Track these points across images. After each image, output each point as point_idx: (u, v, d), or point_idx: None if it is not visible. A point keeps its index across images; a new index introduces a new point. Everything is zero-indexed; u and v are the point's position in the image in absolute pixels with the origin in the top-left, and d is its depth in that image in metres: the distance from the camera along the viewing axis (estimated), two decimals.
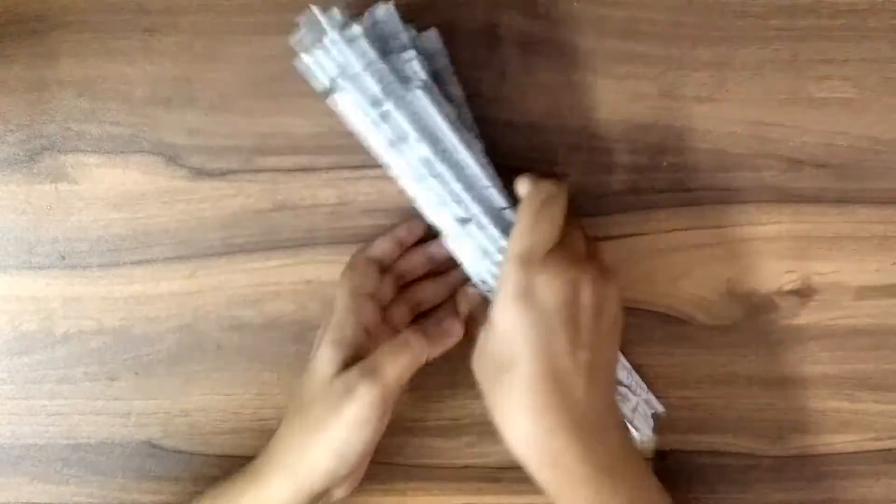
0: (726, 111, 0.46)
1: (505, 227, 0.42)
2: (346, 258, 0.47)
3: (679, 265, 0.47)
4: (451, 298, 0.45)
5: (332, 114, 0.46)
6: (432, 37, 0.43)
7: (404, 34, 0.42)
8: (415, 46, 0.41)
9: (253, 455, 0.43)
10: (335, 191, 0.47)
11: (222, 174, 0.46)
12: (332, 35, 0.40)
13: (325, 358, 0.40)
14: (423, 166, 0.41)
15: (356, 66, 0.40)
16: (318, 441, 0.39)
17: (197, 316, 0.48)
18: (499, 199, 0.42)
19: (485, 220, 0.41)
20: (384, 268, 0.44)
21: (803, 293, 0.47)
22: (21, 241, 0.47)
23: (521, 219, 0.39)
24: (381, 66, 0.40)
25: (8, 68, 0.46)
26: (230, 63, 0.46)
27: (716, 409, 0.48)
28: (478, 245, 0.42)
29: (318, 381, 0.40)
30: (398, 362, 0.39)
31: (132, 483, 0.49)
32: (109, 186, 0.47)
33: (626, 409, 0.45)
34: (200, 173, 0.46)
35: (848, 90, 0.45)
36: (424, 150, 0.41)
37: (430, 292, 0.45)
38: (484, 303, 0.42)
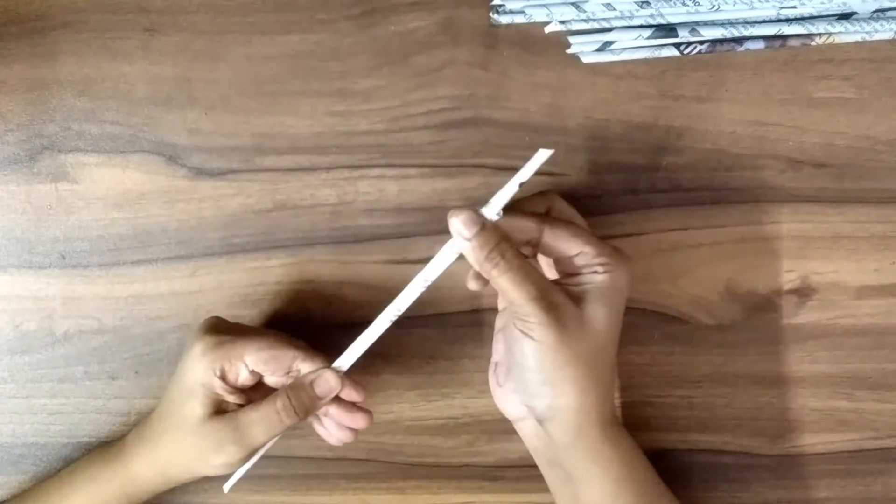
0: (726, 111, 0.46)
1: None
2: (346, 258, 0.47)
3: (679, 265, 0.47)
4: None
5: (331, 114, 0.46)
6: None
7: None
8: None
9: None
10: (335, 191, 0.47)
11: (222, 174, 0.46)
12: None
13: (198, 398, 0.42)
14: None
15: None
16: (184, 469, 0.43)
17: (197, 315, 0.48)
18: None
19: None
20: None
21: (802, 293, 0.47)
22: (21, 241, 0.47)
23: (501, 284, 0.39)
24: None
25: (8, 68, 0.46)
26: (230, 63, 0.46)
27: (715, 409, 0.48)
28: None
29: (189, 416, 0.42)
30: (267, 430, 0.41)
31: None
32: (109, 186, 0.47)
33: None
34: (200, 173, 0.47)
35: (847, 90, 0.45)
36: None
37: None
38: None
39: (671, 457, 0.49)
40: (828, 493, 0.49)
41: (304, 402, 0.41)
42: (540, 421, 0.41)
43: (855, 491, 0.49)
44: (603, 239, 0.41)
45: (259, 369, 0.42)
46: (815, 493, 0.49)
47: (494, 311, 0.46)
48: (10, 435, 0.49)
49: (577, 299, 0.40)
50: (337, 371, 0.42)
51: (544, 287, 0.39)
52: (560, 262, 0.42)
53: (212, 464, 0.42)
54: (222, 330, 0.43)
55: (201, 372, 0.41)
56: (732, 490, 0.49)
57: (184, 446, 0.42)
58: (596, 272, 0.40)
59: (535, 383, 0.40)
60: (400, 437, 0.49)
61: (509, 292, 0.39)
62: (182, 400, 0.42)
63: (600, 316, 0.40)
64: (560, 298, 0.39)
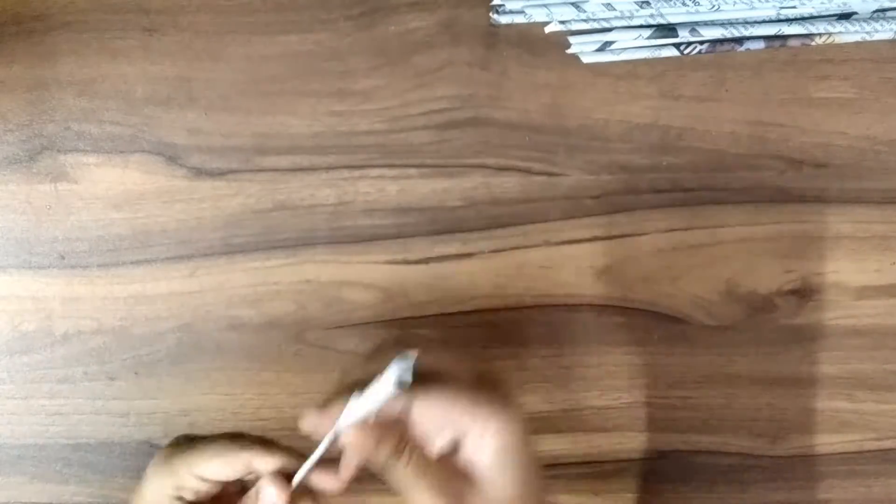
0: (726, 111, 0.46)
1: None
2: (346, 258, 0.47)
3: (679, 265, 0.47)
4: None
5: (331, 114, 0.46)
6: None
7: None
8: None
9: None
10: (335, 191, 0.47)
11: (222, 174, 0.46)
12: None
13: None
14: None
15: None
16: None
17: (197, 316, 0.48)
18: None
19: None
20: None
21: (803, 293, 0.47)
22: (21, 241, 0.47)
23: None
24: None
25: (8, 68, 0.46)
26: (230, 63, 0.46)
27: (716, 409, 0.48)
28: None
29: None
30: None
31: (132, 483, 0.49)
32: (109, 186, 0.47)
33: None
34: (200, 173, 0.46)
35: (847, 90, 0.45)
36: None
37: None
38: None
39: (671, 457, 0.49)
40: (828, 495, 0.49)
41: None
42: None
43: (856, 492, 0.49)
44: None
45: (216, 477, 0.38)
46: (816, 495, 0.49)
47: (496, 310, 0.46)
48: (9, 436, 0.49)
49: (475, 478, 0.36)
50: (283, 484, 0.37)
51: (443, 485, 0.36)
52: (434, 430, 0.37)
53: None
54: (181, 444, 0.39)
55: (155, 492, 0.38)
56: (732, 491, 0.49)
57: None
58: (482, 437, 0.35)
59: None
60: None
61: (408, 492, 0.36)
62: None
63: (509, 486, 0.35)
64: (459, 491, 0.36)
